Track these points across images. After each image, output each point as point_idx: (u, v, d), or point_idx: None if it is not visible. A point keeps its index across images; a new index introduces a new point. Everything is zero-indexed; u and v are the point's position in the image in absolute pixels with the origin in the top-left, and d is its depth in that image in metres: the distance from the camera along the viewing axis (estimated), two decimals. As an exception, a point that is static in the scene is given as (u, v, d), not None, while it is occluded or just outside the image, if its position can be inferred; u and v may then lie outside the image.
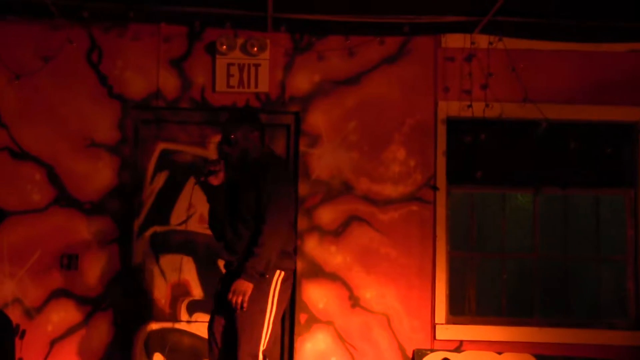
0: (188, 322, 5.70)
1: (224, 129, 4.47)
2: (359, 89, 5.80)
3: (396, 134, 5.78)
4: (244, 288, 4.19)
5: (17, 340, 5.47)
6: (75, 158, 5.69)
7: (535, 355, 5.58)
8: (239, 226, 4.37)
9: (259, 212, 4.27)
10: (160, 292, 5.73)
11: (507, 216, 5.97)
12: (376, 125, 5.78)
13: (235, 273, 4.31)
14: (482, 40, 5.77)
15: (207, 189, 4.51)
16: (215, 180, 4.38)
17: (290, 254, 4.47)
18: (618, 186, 5.90)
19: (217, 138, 5.80)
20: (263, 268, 4.22)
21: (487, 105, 5.72)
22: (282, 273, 4.35)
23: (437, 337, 5.66)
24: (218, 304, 4.47)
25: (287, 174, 4.51)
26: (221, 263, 5.57)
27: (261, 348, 4.26)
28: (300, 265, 5.55)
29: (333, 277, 5.69)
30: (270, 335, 4.30)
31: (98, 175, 5.69)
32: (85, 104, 5.73)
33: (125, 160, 5.70)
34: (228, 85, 5.75)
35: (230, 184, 4.45)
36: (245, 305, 4.21)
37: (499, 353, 5.58)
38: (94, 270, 5.64)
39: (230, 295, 4.21)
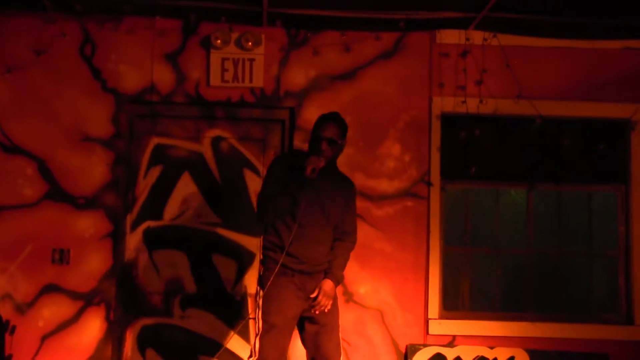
0: (181, 317, 5.66)
1: (331, 129, 4.40)
2: (355, 84, 5.79)
3: (391, 129, 5.78)
4: (334, 292, 4.44)
5: (7, 336, 5.43)
6: (69, 152, 5.64)
7: (527, 350, 5.60)
8: (325, 228, 4.44)
9: (340, 222, 4.50)
10: (154, 288, 5.68)
11: (501, 212, 5.99)
12: (371, 121, 5.77)
13: (304, 272, 4.39)
14: (477, 37, 5.79)
15: (302, 179, 4.31)
16: (314, 174, 4.30)
17: None
18: (610, 182, 5.93)
19: (211, 132, 5.78)
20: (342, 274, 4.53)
21: (481, 101, 5.74)
22: None
23: (430, 332, 5.67)
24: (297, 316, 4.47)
25: None
26: (217, 258, 5.64)
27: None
28: (295, 261, 5.54)
29: (327, 272, 5.68)
30: None
31: (91, 170, 5.65)
32: (78, 98, 5.68)
33: (119, 155, 5.67)
34: (222, 80, 5.72)
35: (315, 184, 4.37)
36: (329, 307, 4.42)
37: (491, 348, 5.61)
38: (86, 265, 5.59)
39: (321, 297, 4.37)
